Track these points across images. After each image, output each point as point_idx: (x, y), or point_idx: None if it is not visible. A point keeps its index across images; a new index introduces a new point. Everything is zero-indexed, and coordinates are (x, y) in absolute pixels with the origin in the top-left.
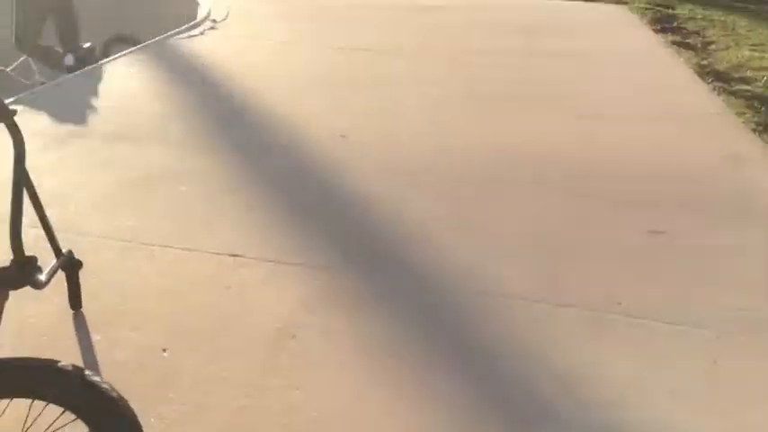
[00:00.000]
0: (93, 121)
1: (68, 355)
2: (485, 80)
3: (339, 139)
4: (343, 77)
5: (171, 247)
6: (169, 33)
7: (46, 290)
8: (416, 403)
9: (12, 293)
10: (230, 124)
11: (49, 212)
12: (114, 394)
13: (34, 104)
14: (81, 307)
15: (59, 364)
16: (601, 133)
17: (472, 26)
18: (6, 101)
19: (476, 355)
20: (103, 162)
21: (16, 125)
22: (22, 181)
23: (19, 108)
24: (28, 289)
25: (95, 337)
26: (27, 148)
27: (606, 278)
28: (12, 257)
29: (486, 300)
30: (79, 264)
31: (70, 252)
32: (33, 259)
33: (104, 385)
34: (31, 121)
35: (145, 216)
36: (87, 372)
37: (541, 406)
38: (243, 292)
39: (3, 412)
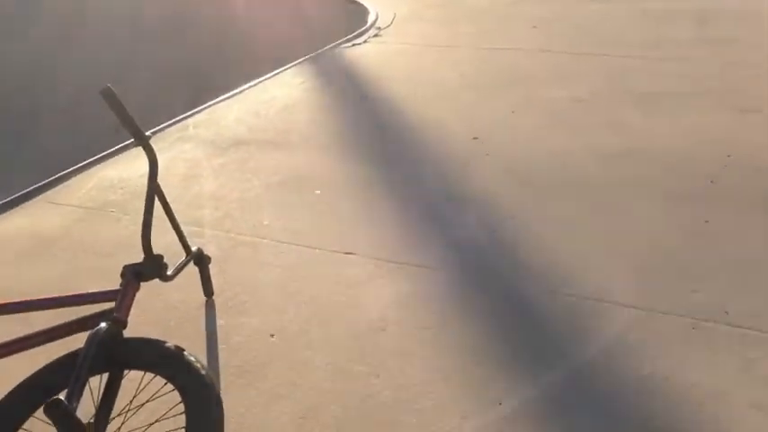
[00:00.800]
0: (254, 130)
1: (197, 335)
2: (649, 73)
3: (471, 142)
4: (500, 79)
5: (296, 244)
6: (336, 43)
7: (186, 281)
8: (483, 404)
9: (160, 286)
10: (376, 130)
11: (202, 212)
12: (203, 372)
13: (211, 115)
14: (212, 295)
15: (166, 344)
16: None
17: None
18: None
19: (566, 358)
20: (255, 168)
21: (151, 147)
22: (153, 194)
23: (194, 120)
24: (176, 282)
25: (219, 322)
26: (197, 155)
27: (716, 287)
28: (144, 255)
29: (584, 304)
30: (207, 258)
31: (199, 249)
32: (160, 257)
33: (197, 364)
34: (204, 132)
35: (279, 216)
36: (186, 352)
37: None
38: (349, 287)
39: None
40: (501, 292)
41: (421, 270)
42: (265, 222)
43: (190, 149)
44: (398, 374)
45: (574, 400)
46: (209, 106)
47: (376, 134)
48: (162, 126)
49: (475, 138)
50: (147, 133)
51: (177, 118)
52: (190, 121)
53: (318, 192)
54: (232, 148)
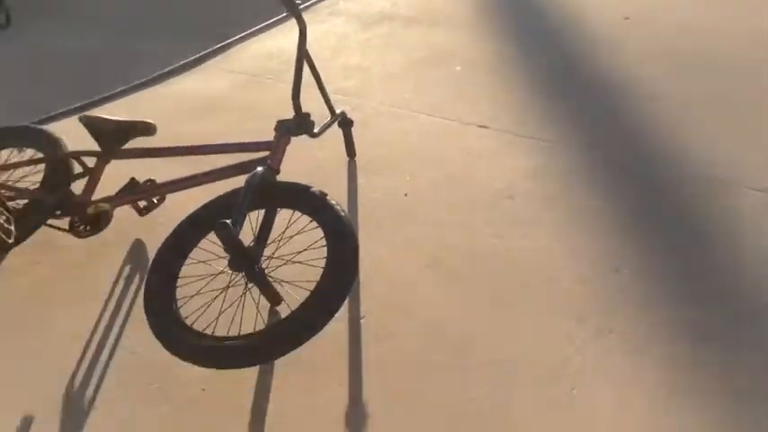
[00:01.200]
0: (399, 6)
1: (339, 191)
2: None
3: (621, 21)
4: None
5: (434, 116)
6: None
7: (330, 142)
8: (601, 271)
9: (308, 144)
10: (521, 8)
11: (348, 83)
12: (342, 213)
13: None
14: (355, 156)
15: (312, 189)
16: None
17: None
18: None
19: (691, 239)
20: (398, 43)
21: (301, 17)
22: (302, 58)
23: None
24: (321, 140)
25: (360, 180)
26: (346, 30)
27: None
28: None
29: (715, 186)
30: (350, 122)
31: (343, 112)
32: (308, 115)
33: (337, 207)
34: (352, 6)
35: (420, 90)
36: (329, 196)
37: None
38: (479, 156)
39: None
40: (632, 170)
41: (552, 145)
42: (406, 95)
43: (339, 24)
44: (521, 238)
45: (698, 272)
46: None
47: (520, 12)
48: (315, 0)
49: (626, 18)
50: (300, 6)
51: None
52: None
53: (459, 68)
54: (377, 24)
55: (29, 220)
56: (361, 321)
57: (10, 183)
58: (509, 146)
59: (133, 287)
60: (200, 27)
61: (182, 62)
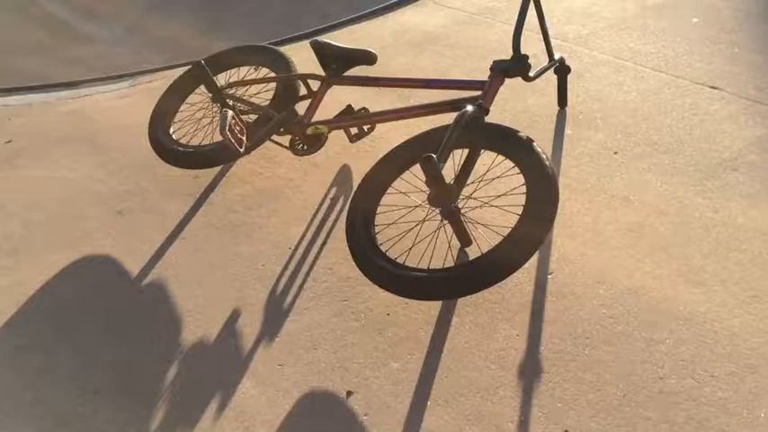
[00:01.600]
0: None
1: (545, 139)
2: None
3: None
4: None
5: (659, 71)
6: None
7: (542, 88)
8: None
9: (519, 87)
10: None
11: (568, 28)
12: (547, 162)
13: None
14: (566, 106)
15: (519, 133)
16: None
17: None
18: None
19: None
20: None
21: None
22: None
23: None
24: (533, 84)
25: (567, 132)
26: None
27: None
28: (512, 53)
29: None
30: (567, 69)
31: (562, 59)
32: (525, 57)
33: (543, 155)
34: None
35: (648, 40)
36: (535, 143)
37: None
38: (706, 120)
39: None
40: None
41: None
42: (632, 45)
43: None
44: (740, 216)
45: None
46: None
47: None
48: None
49: None
50: None
51: None
52: None
53: (696, 20)
54: None
55: (258, 134)
56: (549, 277)
57: (245, 97)
58: (742, 112)
59: (337, 208)
60: None
61: None
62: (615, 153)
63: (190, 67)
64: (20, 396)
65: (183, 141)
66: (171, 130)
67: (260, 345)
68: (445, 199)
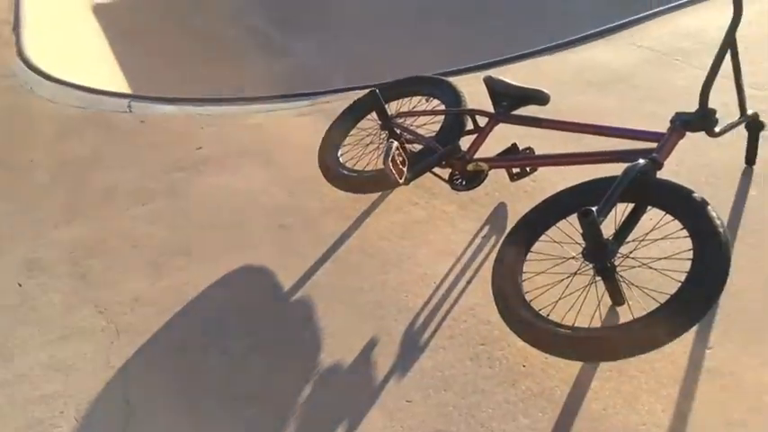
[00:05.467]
0: None
1: (723, 198)
2: None
3: None
4: None
5: None
6: None
7: (729, 141)
8: None
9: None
10: None
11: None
12: (722, 230)
13: None
14: (754, 164)
15: (693, 194)
16: None
17: None
18: None
19: None
20: None
21: (741, 1)
22: (726, 48)
23: None
24: (719, 139)
25: (752, 192)
26: None
27: None
28: (698, 106)
29: None
30: (761, 125)
31: (755, 114)
32: (713, 111)
33: (717, 221)
34: None
35: None
36: (710, 207)
37: None
38: None
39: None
40: None
41: None
42: None
43: None
44: None
45: None
46: None
47: None
48: None
49: None
50: None
51: None
52: None
53: None
54: None
55: (419, 166)
56: (707, 352)
57: (413, 127)
58: None
59: (488, 247)
60: None
61: (592, 31)
62: None
63: (365, 93)
64: (170, 397)
65: (348, 164)
66: (339, 153)
67: (391, 377)
68: (601, 255)
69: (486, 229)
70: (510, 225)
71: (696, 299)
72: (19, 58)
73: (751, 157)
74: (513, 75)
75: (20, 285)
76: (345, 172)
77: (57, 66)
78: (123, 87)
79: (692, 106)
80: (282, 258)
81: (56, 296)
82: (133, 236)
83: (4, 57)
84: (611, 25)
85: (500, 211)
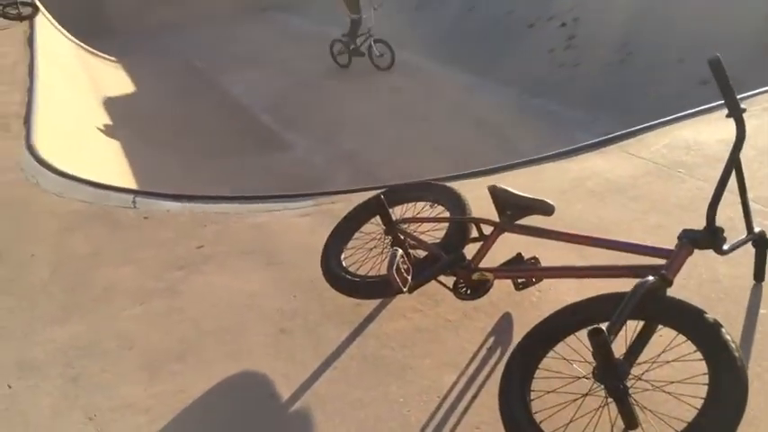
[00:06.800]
0: None
1: (734, 316)
2: None
3: None
4: None
5: None
6: None
7: (737, 257)
8: None
9: (711, 256)
10: None
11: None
12: (737, 353)
13: None
14: (763, 280)
15: (705, 314)
16: None
17: None
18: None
19: None
20: None
21: (743, 120)
22: (732, 167)
23: None
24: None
25: (762, 311)
26: None
27: None
28: (705, 224)
29: None
30: (767, 243)
31: (762, 232)
32: (721, 230)
33: (732, 345)
34: None
35: None
36: (724, 329)
37: None
38: None
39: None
40: None
41: None
42: None
43: None
44: None
45: None
46: None
47: None
48: (753, 93)
49: None
50: (743, 105)
51: None
52: None
53: None
54: None
55: (423, 274)
56: None
57: (417, 233)
58: None
59: (493, 359)
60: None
61: (589, 142)
62: None
63: (370, 196)
64: None
65: (351, 269)
66: (342, 256)
67: None
68: (613, 377)
69: (491, 340)
70: (516, 336)
71: (713, 428)
72: (27, 151)
73: (759, 274)
74: (513, 181)
75: (9, 387)
76: (348, 277)
77: (65, 159)
78: (130, 181)
79: (696, 219)
80: (282, 366)
81: (45, 400)
82: (129, 337)
83: (12, 149)
84: (608, 136)
85: (505, 322)
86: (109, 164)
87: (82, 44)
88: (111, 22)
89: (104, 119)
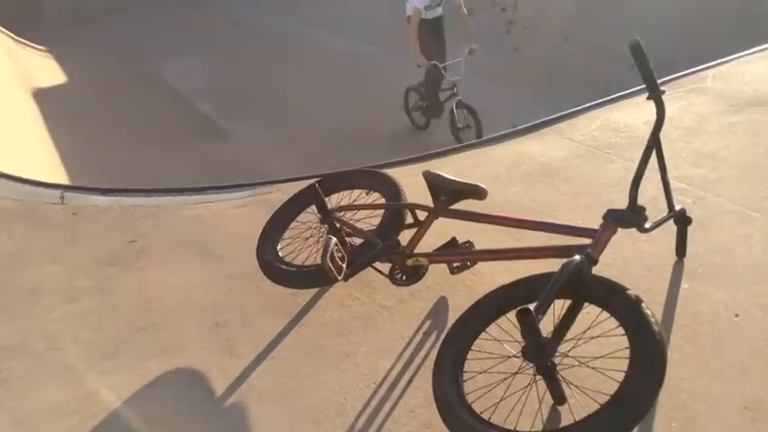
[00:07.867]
0: None
1: (657, 292)
2: None
3: None
4: None
5: None
6: None
7: (659, 235)
8: None
9: (634, 234)
10: None
11: (696, 171)
12: (657, 327)
13: (736, 68)
14: (684, 256)
15: (627, 291)
16: None
17: None
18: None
19: None
20: (758, 132)
21: (662, 102)
22: (652, 148)
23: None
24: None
25: (684, 286)
26: (708, 111)
27: None
28: (628, 204)
29: None
30: (689, 220)
31: (683, 210)
32: (642, 209)
33: (651, 319)
34: (721, 86)
35: None
36: (644, 304)
37: None
38: None
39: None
40: None
41: None
42: (762, 194)
43: (700, 104)
44: None
45: None
46: (737, 58)
47: None
48: (678, 75)
49: None
50: (662, 87)
51: (696, 68)
52: (709, 72)
53: None
54: (748, 108)
55: (358, 262)
56: None
57: (353, 221)
58: None
59: (428, 343)
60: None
61: (524, 125)
62: (736, 316)
63: (306, 186)
64: None
65: (287, 259)
66: (278, 247)
67: None
68: (541, 355)
69: (426, 324)
70: (451, 320)
71: (635, 399)
72: None
73: (681, 250)
74: (450, 167)
75: None
76: (284, 267)
77: None
78: (60, 175)
79: (624, 199)
80: (217, 360)
81: None
82: (57, 337)
83: None
84: (543, 120)
85: (441, 306)
86: (36, 158)
87: (5, 31)
88: (50, 8)
89: (33, 111)
